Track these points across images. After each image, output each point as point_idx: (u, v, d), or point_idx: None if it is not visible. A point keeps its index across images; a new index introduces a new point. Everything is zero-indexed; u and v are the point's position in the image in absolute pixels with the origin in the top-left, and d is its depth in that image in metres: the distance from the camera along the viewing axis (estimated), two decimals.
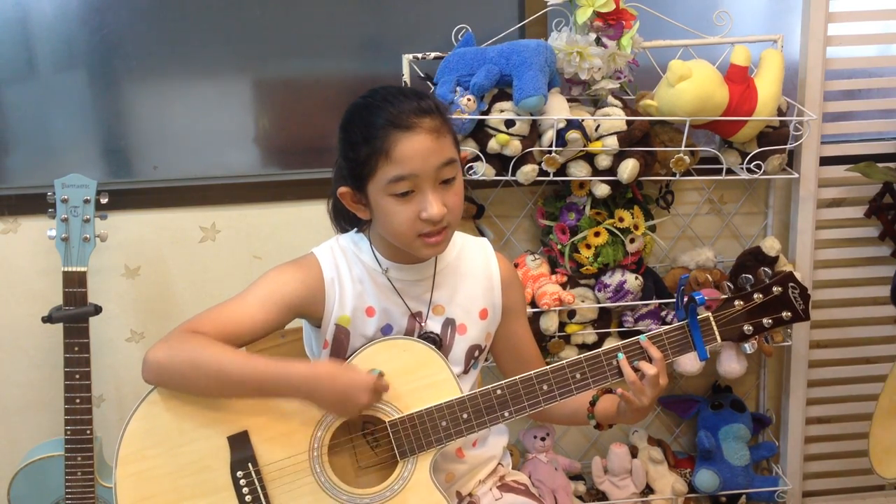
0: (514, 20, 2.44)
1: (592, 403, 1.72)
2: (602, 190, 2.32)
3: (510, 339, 1.81)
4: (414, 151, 1.53)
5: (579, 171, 2.30)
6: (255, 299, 1.62)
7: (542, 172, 2.28)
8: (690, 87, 2.22)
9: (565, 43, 2.22)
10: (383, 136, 1.53)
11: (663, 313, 2.45)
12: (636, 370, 1.62)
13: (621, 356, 1.63)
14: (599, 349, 1.64)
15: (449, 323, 1.72)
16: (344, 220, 1.74)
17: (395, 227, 1.58)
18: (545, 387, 1.63)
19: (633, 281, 2.38)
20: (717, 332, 1.66)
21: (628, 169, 2.27)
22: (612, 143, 2.27)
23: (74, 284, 2.18)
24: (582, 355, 1.63)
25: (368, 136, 1.54)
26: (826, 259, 2.60)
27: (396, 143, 1.52)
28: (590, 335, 2.43)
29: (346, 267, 1.68)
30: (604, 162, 2.29)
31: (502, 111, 2.24)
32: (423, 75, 2.33)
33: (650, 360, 1.62)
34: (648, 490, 2.59)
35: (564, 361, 1.63)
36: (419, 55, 2.31)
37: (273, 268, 1.68)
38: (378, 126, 1.54)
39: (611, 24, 2.22)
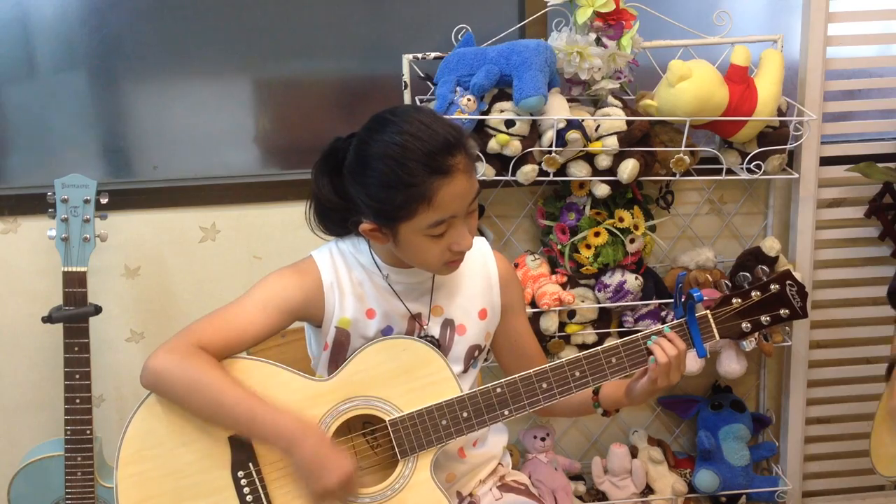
0: (514, 20, 2.44)
1: (595, 392, 1.73)
2: (602, 190, 2.32)
3: (511, 336, 1.81)
4: (454, 196, 1.52)
5: (579, 171, 2.30)
6: (254, 304, 1.62)
7: (542, 172, 2.28)
8: (690, 87, 2.22)
9: (565, 43, 2.22)
10: (424, 183, 1.50)
11: (663, 313, 2.45)
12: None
13: (652, 341, 1.63)
14: (598, 348, 1.64)
15: (448, 323, 1.73)
16: (332, 223, 1.69)
17: (425, 259, 1.59)
18: (545, 385, 1.63)
19: (633, 281, 2.38)
20: (715, 330, 1.66)
21: (628, 169, 2.27)
22: (612, 143, 2.27)
23: (74, 284, 2.18)
24: (581, 353, 1.64)
25: (406, 182, 1.50)
26: (826, 259, 2.60)
27: (438, 190, 1.51)
28: (590, 335, 2.43)
29: (345, 270, 1.68)
30: (604, 162, 2.29)
31: (502, 111, 2.24)
32: (423, 75, 2.33)
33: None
34: (648, 490, 2.59)
35: (564, 359, 1.63)
36: (419, 55, 2.31)
37: (272, 272, 1.67)
38: (416, 172, 1.50)
39: (611, 24, 2.22)
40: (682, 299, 1.64)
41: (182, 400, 1.57)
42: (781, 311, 1.67)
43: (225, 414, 1.55)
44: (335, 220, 1.67)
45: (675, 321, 1.66)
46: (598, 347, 1.64)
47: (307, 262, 1.69)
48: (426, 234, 1.55)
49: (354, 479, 1.54)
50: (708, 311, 1.66)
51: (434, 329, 1.72)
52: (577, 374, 1.63)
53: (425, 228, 1.54)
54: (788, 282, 1.68)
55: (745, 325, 1.67)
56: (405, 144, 1.51)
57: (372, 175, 1.54)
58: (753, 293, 1.67)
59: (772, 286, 1.67)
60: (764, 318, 1.67)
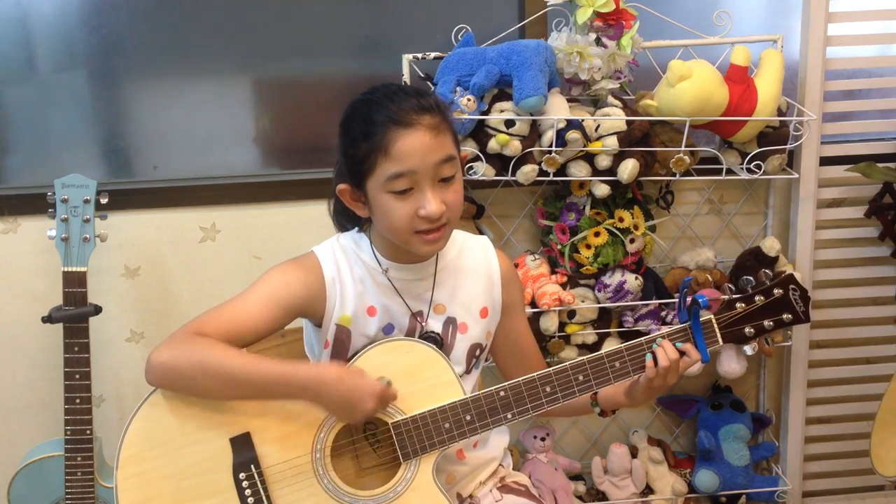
0: (514, 20, 2.44)
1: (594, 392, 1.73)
2: (602, 190, 2.32)
3: (510, 336, 1.81)
4: (413, 148, 1.53)
5: (579, 171, 2.30)
6: (257, 300, 1.62)
7: (542, 172, 2.28)
8: (690, 87, 2.22)
9: (565, 43, 2.21)
10: (382, 132, 1.53)
11: (663, 313, 2.45)
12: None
13: (657, 344, 1.64)
14: (602, 352, 1.64)
15: (450, 322, 1.72)
16: (345, 219, 1.73)
17: (393, 223, 1.57)
18: (548, 388, 1.63)
19: (633, 281, 2.38)
20: (718, 335, 1.66)
21: (628, 169, 2.27)
22: (612, 143, 2.27)
23: (74, 284, 2.18)
24: (585, 357, 1.64)
25: (368, 133, 1.54)
26: (826, 259, 2.60)
27: (395, 140, 1.52)
28: (590, 335, 2.43)
29: (346, 266, 1.68)
30: (604, 162, 2.29)
31: (502, 111, 2.23)
32: (423, 75, 2.33)
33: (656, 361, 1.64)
34: (648, 490, 2.59)
35: (567, 363, 1.63)
36: (419, 55, 2.31)
37: (274, 267, 1.67)
38: (377, 122, 1.54)
39: (611, 24, 2.22)
40: (688, 303, 1.64)
41: (192, 384, 1.56)
42: (784, 316, 1.67)
43: (239, 386, 1.55)
44: (349, 216, 1.70)
45: (679, 326, 1.66)
46: (602, 351, 1.64)
47: (309, 258, 1.69)
48: (389, 191, 1.55)
49: (387, 393, 1.58)
50: (712, 316, 1.66)
51: (435, 326, 1.72)
52: (581, 377, 1.63)
53: (384, 182, 1.54)
54: (791, 286, 1.67)
55: (749, 330, 1.67)
56: (371, 101, 1.57)
57: (345, 135, 1.59)
58: (757, 298, 1.67)
59: (775, 291, 1.67)
60: (767, 323, 1.67)
